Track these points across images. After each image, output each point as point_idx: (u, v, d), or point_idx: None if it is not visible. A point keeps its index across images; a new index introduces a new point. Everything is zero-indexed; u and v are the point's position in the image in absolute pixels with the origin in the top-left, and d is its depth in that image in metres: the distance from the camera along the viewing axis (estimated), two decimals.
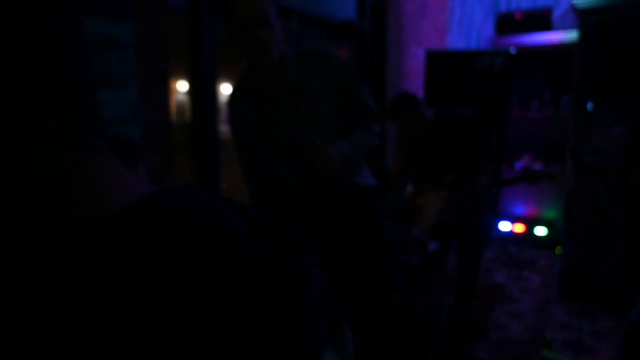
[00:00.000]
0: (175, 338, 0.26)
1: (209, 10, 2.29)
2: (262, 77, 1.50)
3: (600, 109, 3.66)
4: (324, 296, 0.38)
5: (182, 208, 0.32)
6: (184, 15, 2.25)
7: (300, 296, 0.31)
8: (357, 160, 1.56)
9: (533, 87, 4.77)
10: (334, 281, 1.45)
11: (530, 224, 4.54)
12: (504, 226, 4.57)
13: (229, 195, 2.79)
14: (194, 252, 0.29)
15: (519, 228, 4.55)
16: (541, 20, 4.58)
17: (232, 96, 1.62)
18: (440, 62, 4.17)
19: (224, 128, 2.40)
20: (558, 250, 3.70)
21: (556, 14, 4.69)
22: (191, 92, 2.32)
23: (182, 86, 2.46)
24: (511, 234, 4.56)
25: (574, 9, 4.17)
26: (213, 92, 2.41)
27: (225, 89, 2.81)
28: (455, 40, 5.32)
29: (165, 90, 2.03)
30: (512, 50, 4.07)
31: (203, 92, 2.31)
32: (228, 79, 2.80)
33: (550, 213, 4.48)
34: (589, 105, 3.87)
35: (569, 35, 4.43)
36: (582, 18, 3.89)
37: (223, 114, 2.54)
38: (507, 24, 4.77)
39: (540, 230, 4.46)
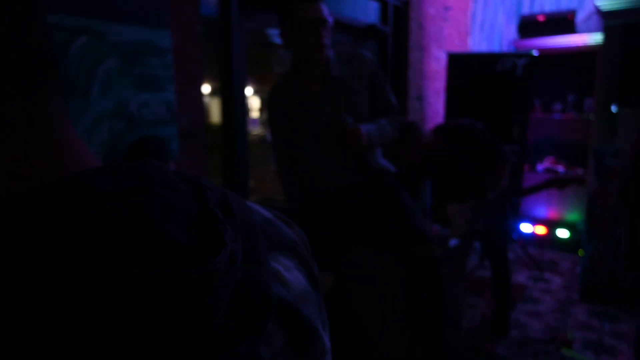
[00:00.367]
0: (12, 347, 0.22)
1: (239, 16, 2.40)
2: (309, 73, 1.63)
3: (624, 111, 3.66)
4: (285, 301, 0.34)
5: (108, 190, 0.28)
6: (215, 21, 2.37)
7: (200, 307, 0.26)
8: (382, 143, 1.69)
9: (556, 90, 4.76)
10: (364, 270, 1.53)
11: (552, 226, 4.54)
12: (526, 228, 4.57)
13: (255, 191, 2.87)
14: (84, 244, 0.25)
15: (541, 230, 4.55)
16: (564, 22, 4.58)
17: (276, 90, 1.71)
18: (462, 64, 4.21)
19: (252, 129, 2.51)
20: (580, 252, 3.70)
21: (580, 17, 4.68)
22: (222, 94, 2.44)
23: (204, 88, 2.58)
24: (533, 235, 4.56)
25: (598, 11, 4.16)
26: (242, 94, 2.52)
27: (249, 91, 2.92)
28: (477, 43, 5.34)
29: (199, 93, 2.15)
30: (535, 53, 4.08)
31: (233, 94, 2.42)
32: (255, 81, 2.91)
33: (573, 215, 4.47)
34: (613, 108, 3.87)
35: (592, 38, 4.42)
36: (607, 20, 3.89)
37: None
38: (530, 26, 4.78)
39: (563, 233, 4.46)
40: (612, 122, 3.92)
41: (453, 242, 2.03)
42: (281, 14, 1.57)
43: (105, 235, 0.26)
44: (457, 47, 4.97)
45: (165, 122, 1.93)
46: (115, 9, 1.72)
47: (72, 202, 0.26)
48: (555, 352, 2.52)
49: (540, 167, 4.56)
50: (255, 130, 2.69)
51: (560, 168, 4.49)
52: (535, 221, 4.60)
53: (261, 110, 4.06)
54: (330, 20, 1.58)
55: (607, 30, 3.92)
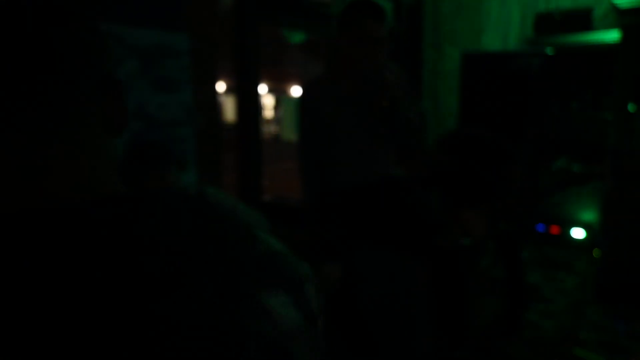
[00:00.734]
0: None
1: (253, 17, 2.44)
2: (355, 81, 1.68)
3: None
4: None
5: (98, 219, 0.30)
6: (230, 21, 2.41)
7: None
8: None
9: (573, 88, 4.71)
10: (386, 273, 1.56)
11: (567, 225, 4.50)
12: (540, 227, 4.54)
13: (269, 190, 2.90)
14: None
15: (556, 229, 4.51)
16: (581, 20, 4.53)
17: (312, 86, 1.75)
18: (476, 63, 4.20)
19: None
20: (596, 252, 3.67)
21: (597, 14, 4.62)
22: (237, 94, 2.49)
23: (220, 87, 2.63)
24: (547, 235, 4.53)
25: (615, 9, 4.11)
26: (256, 94, 2.57)
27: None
28: (492, 41, 5.31)
29: (215, 93, 2.21)
30: (550, 51, 4.05)
31: (248, 94, 2.47)
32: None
33: (588, 215, 4.42)
34: (630, 106, 3.81)
35: (610, 35, 4.37)
36: (624, 18, 3.84)
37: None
38: (546, 24, 4.73)
39: (578, 232, 4.41)
40: (630, 121, 3.87)
41: (464, 241, 2.05)
42: (350, 23, 1.59)
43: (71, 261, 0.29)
44: (471, 46, 4.95)
45: (181, 123, 1.99)
46: (134, 13, 1.77)
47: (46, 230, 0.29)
48: (568, 352, 2.52)
49: (556, 166, 4.53)
50: (270, 129, 2.73)
51: (577, 167, 4.45)
52: (549, 220, 4.57)
53: (275, 108, 4.12)
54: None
55: (624, 28, 3.87)
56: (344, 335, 1.63)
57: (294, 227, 2.00)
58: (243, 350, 0.32)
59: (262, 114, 2.55)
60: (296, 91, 17.12)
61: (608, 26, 4.57)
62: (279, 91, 19.57)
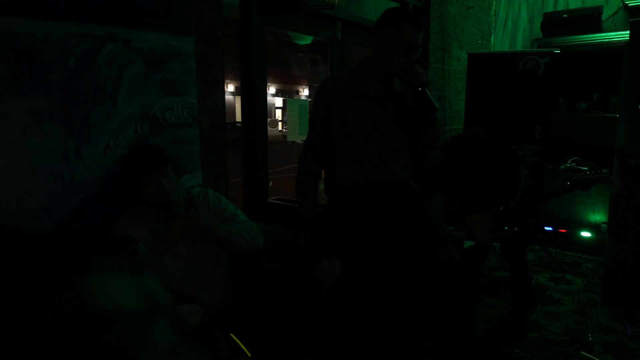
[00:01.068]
0: None
1: (259, 18, 2.47)
2: (377, 82, 1.72)
3: None
4: None
5: None
6: (236, 23, 2.44)
7: None
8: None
9: (582, 88, 4.68)
10: (386, 274, 1.57)
11: (576, 226, 4.47)
12: (548, 228, 4.52)
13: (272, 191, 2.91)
14: None
15: (563, 230, 4.49)
16: (590, 20, 4.50)
17: (333, 80, 1.77)
18: (483, 63, 4.19)
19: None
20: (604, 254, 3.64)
21: (606, 14, 4.58)
22: (242, 95, 2.51)
23: (229, 87, 2.66)
24: (555, 236, 4.50)
25: (625, 7, 4.08)
26: (263, 95, 2.60)
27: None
28: (500, 41, 5.29)
29: (221, 95, 2.23)
30: (557, 51, 4.03)
31: (253, 95, 2.49)
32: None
33: (597, 216, 4.39)
34: None
35: (618, 36, 4.33)
36: (633, 16, 3.81)
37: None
38: (554, 24, 4.71)
39: (586, 233, 4.39)
40: (639, 121, 3.83)
41: (467, 243, 2.05)
42: (389, 26, 1.63)
43: None
44: (480, 46, 4.94)
45: (187, 125, 2.02)
46: (140, 17, 1.80)
47: None
48: (575, 354, 2.50)
49: (564, 167, 4.50)
50: (275, 131, 2.76)
51: (585, 168, 4.42)
52: (558, 221, 4.54)
53: (283, 109, 4.14)
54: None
55: (633, 27, 3.83)
56: (342, 333, 1.64)
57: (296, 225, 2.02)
58: None
59: (271, 115, 2.57)
60: (304, 92, 17.12)
61: (617, 26, 4.54)
62: (287, 93, 19.61)
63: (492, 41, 5.28)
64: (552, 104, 4.21)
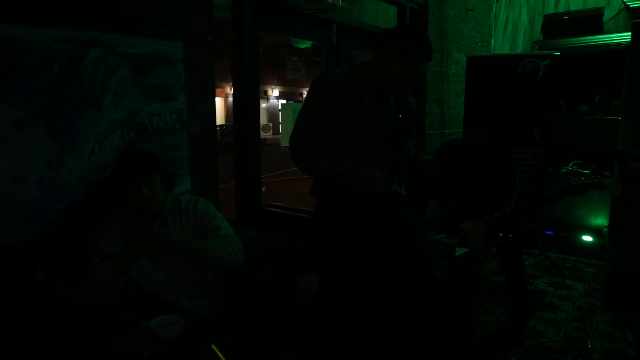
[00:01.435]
0: None
1: (252, 22, 2.45)
2: (374, 90, 1.71)
3: None
4: None
5: None
6: (229, 25, 2.42)
7: None
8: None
9: (583, 90, 4.63)
10: (370, 283, 1.54)
11: (577, 230, 4.42)
12: (549, 232, 4.46)
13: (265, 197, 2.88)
14: None
15: (565, 234, 4.43)
16: (591, 21, 4.45)
17: (331, 77, 1.73)
18: (482, 66, 4.15)
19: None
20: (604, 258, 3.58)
21: (607, 16, 4.54)
22: (234, 99, 2.49)
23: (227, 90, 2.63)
24: (556, 240, 4.45)
25: (627, 8, 4.02)
26: (256, 99, 2.57)
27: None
28: (500, 44, 5.25)
29: (211, 100, 2.21)
30: (557, 53, 3.98)
31: (246, 99, 2.47)
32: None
33: (598, 219, 4.33)
34: None
35: (620, 38, 4.28)
36: (635, 17, 3.76)
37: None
38: (555, 26, 4.66)
39: (587, 237, 4.33)
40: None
41: (460, 251, 2.01)
42: (405, 47, 1.61)
43: None
44: (479, 49, 4.90)
45: (175, 130, 1.99)
46: (126, 22, 1.79)
47: None
48: None
49: (565, 170, 4.45)
50: (269, 136, 2.73)
51: (587, 171, 4.36)
52: (559, 225, 4.49)
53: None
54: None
55: (635, 28, 3.79)
56: (324, 347, 1.61)
57: (291, 234, 1.99)
58: None
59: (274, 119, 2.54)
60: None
61: (618, 28, 4.49)
62: (291, 95, 19.64)
63: (493, 44, 5.24)
64: (553, 107, 4.16)
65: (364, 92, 1.70)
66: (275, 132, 16.75)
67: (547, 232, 4.46)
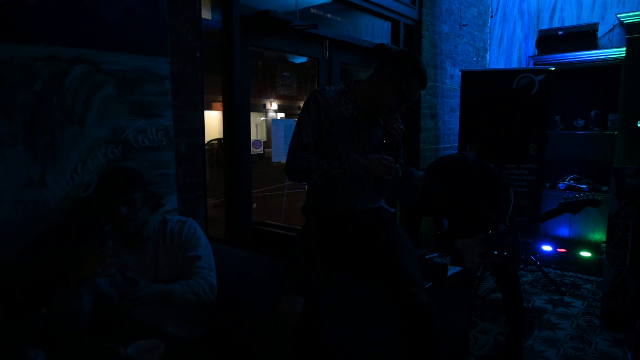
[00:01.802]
0: None
1: (242, 37, 2.43)
2: (367, 110, 1.72)
3: None
4: None
5: None
6: (219, 40, 2.40)
7: None
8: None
9: (579, 106, 4.61)
10: (357, 305, 1.48)
11: (576, 246, 4.36)
12: (547, 249, 4.41)
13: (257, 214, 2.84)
14: None
15: (563, 251, 4.38)
16: (585, 37, 4.46)
17: (326, 95, 1.71)
18: (477, 81, 4.14)
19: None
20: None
21: (602, 31, 4.55)
22: (224, 114, 2.46)
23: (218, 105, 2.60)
24: (554, 256, 4.39)
25: (621, 24, 4.03)
26: (246, 115, 2.54)
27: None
28: (495, 59, 5.26)
29: (200, 117, 2.17)
30: (552, 68, 3.98)
31: (236, 114, 2.44)
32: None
33: (597, 235, 4.28)
34: (639, 123, 3.71)
35: (615, 52, 4.29)
36: (630, 33, 3.77)
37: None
38: (550, 41, 4.66)
39: (585, 253, 4.28)
40: (637, 138, 3.76)
41: (452, 270, 1.96)
42: (401, 77, 1.62)
43: None
44: (474, 64, 4.90)
45: (162, 148, 1.96)
46: (112, 38, 1.76)
47: None
48: None
49: (562, 185, 4.41)
50: (260, 151, 2.70)
51: (584, 185, 4.33)
52: (557, 241, 4.44)
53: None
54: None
55: (630, 43, 3.79)
56: None
57: (280, 253, 1.95)
58: None
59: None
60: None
61: (613, 43, 4.49)
62: (289, 109, 19.68)
63: (488, 58, 5.25)
64: (548, 122, 4.14)
65: (357, 112, 1.70)
66: (269, 145, 16.73)
67: (545, 248, 4.40)
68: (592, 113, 4.49)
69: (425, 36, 3.95)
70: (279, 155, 2.66)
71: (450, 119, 4.52)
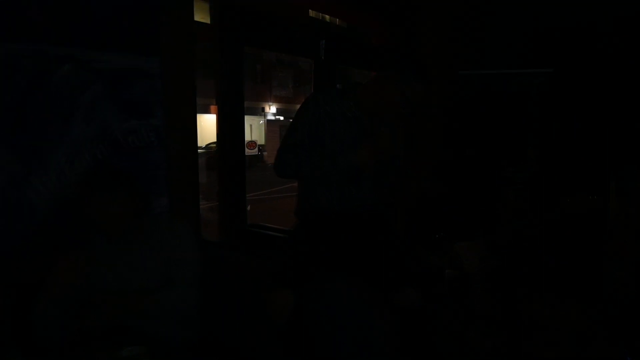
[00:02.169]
0: None
1: (236, 37, 2.40)
2: (368, 110, 1.69)
3: None
4: None
5: None
6: (213, 47, 2.37)
7: None
8: None
9: (577, 108, 4.58)
10: (350, 303, 1.44)
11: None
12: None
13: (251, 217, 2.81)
14: None
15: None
16: (583, 37, 4.42)
17: (323, 96, 1.70)
18: (473, 84, 4.11)
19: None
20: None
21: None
22: (218, 115, 2.43)
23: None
24: (554, 256, 4.35)
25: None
26: (240, 116, 2.51)
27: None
28: (492, 60, 5.22)
29: (192, 116, 2.14)
30: (551, 70, 3.96)
31: (230, 116, 2.41)
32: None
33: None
34: None
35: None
36: None
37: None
38: (548, 42, 4.62)
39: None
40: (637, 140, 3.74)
41: (450, 274, 1.93)
42: (399, 78, 1.60)
43: None
44: (468, 66, 4.86)
45: (152, 148, 1.92)
46: (100, 36, 1.73)
47: None
48: None
49: (559, 187, 4.37)
50: (254, 152, 2.66)
51: (581, 190, 4.29)
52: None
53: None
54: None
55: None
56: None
57: (274, 255, 1.91)
58: None
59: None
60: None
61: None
62: (288, 112, 19.69)
63: (485, 61, 5.22)
64: (547, 124, 4.11)
65: (359, 113, 1.69)
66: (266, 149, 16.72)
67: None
68: (590, 115, 4.45)
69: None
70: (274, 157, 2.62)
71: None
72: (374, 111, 1.70)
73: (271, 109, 19.92)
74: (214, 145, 3.01)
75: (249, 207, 2.62)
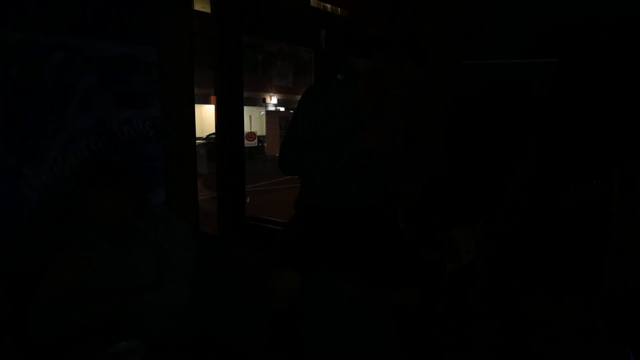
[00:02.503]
0: None
1: (234, 26, 2.34)
2: (368, 103, 1.62)
3: None
4: None
5: None
6: (211, 37, 2.32)
7: None
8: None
9: (579, 100, 4.53)
10: (348, 300, 1.41)
11: None
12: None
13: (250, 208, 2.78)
14: None
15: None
16: (586, 30, 4.36)
17: (326, 89, 1.65)
18: (475, 74, 4.06)
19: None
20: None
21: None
22: (217, 106, 2.38)
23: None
24: (554, 250, 4.32)
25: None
26: (239, 106, 2.46)
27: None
28: (494, 51, 5.16)
29: (190, 108, 2.09)
30: (554, 62, 3.90)
31: (228, 107, 2.36)
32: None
33: None
34: None
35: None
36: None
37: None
38: (551, 34, 4.56)
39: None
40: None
41: (451, 268, 1.89)
42: (390, 60, 1.51)
43: None
44: (472, 56, 4.80)
45: (149, 139, 1.88)
46: (94, 24, 1.67)
47: None
48: None
49: (561, 181, 4.33)
50: (254, 144, 2.62)
51: (584, 183, 4.25)
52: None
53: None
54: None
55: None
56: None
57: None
58: None
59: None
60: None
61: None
62: (290, 103, 19.60)
63: (488, 51, 5.15)
64: (549, 116, 4.06)
65: (359, 105, 1.63)
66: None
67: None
68: (592, 107, 4.41)
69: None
70: (274, 148, 2.58)
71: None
72: (373, 101, 1.63)
73: (272, 100, 19.82)
74: (215, 136, 2.97)
75: (248, 199, 2.58)
